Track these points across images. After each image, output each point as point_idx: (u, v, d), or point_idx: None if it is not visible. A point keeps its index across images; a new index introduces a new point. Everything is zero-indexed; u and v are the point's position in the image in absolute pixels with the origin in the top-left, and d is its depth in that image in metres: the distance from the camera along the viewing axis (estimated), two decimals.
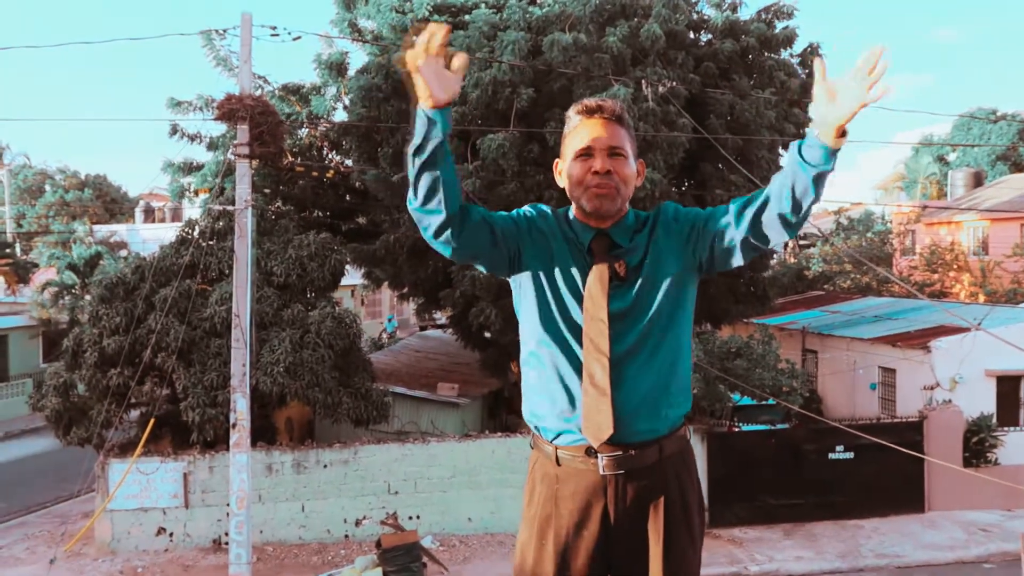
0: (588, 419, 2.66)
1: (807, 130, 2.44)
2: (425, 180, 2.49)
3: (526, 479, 2.92)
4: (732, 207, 2.68)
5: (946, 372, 18.76)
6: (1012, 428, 18.81)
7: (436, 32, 2.39)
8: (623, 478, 2.69)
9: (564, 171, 2.81)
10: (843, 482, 17.52)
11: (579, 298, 2.70)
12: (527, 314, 2.79)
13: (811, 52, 19.83)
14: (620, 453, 2.67)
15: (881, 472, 17.44)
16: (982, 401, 18.64)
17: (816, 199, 2.47)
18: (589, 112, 2.77)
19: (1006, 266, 29.35)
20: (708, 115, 17.49)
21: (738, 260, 2.74)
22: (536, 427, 2.84)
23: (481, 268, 2.84)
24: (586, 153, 2.72)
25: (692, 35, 18.84)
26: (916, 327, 21.24)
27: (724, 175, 18.03)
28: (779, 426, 18.76)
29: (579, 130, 2.76)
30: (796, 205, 2.48)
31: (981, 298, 28.46)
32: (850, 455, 17.59)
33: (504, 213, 2.80)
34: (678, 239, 2.76)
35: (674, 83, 16.98)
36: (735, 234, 2.65)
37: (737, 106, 17.58)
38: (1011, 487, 16.16)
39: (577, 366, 2.69)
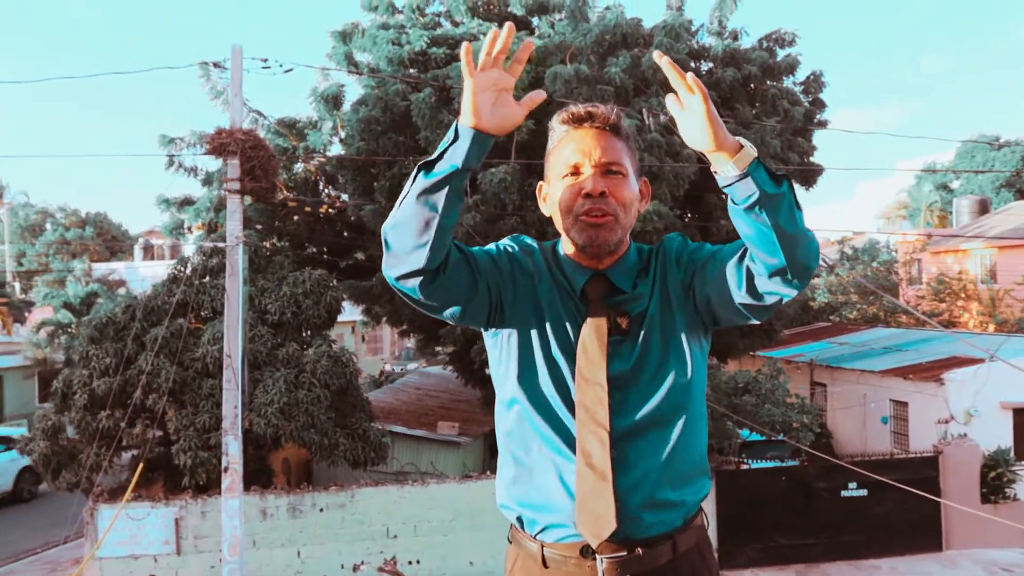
0: (584, 510, 2.09)
1: (715, 176, 1.96)
2: (416, 210, 1.96)
3: None
4: (732, 259, 2.11)
5: (960, 405, 18.29)
6: None
7: (508, 41, 1.90)
8: None
9: (548, 196, 2.26)
10: (857, 520, 16.98)
11: (572, 357, 2.14)
12: (506, 376, 2.22)
13: (814, 80, 19.55)
14: (624, 554, 2.11)
15: (896, 509, 16.90)
16: (998, 434, 18.13)
17: (781, 232, 1.90)
18: (577, 121, 2.23)
19: (1016, 294, 28.91)
20: None
21: (742, 319, 2.18)
22: (517, 517, 2.24)
23: (448, 319, 2.23)
24: (575, 172, 2.17)
25: (693, 64, 18.53)
26: (927, 358, 20.79)
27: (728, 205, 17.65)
28: (789, 463, 18.27)
29: (565, 143, 2.22)
30: (762, 246, 1.94)
31: (991, 327, 28.02)
32: (863, 492, 17.04)
33: (482, 250, 2.23)
34: (680, 286, 2.21)
35: None
36: (735, 292, 2.11)
37: (740, 134, 17.20)
38: None
39: (569, 442, 2.12)
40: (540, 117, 16.07)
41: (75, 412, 15.44)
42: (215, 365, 14.67)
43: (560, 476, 2.14)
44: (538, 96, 2.02)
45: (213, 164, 18.44)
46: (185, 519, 15.29)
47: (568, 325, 2.18)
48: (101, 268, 43.64)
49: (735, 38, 18.81)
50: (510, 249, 2.27)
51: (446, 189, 1.93)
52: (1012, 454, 18.03)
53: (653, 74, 16.33)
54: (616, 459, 2.10)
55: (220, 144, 12.96)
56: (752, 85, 18.31)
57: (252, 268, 15.70)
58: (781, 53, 18.65)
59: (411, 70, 18.07)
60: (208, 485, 15.16)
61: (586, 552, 2.12)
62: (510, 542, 2.32)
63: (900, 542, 17.11)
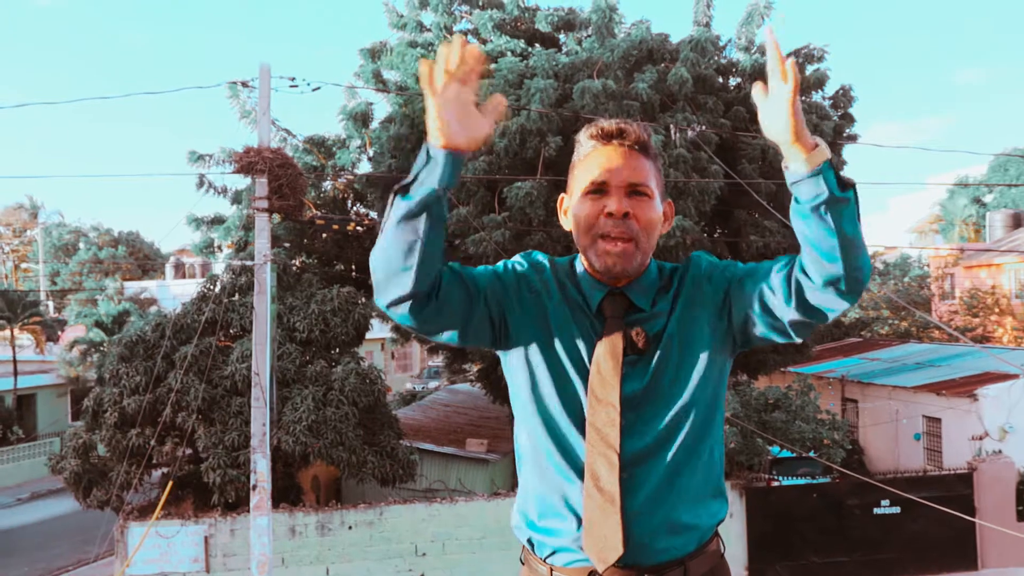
0: (591, 534, 2.03)
1: (784, 171, 1.91)
2: (397, 234, 1.90)
3: None
4: (776, 266, 2.04)
5: (995, 421, 18.04)
6: None
7: (466, 51, 1.84)
8: None
9: (570, 210, 2.20)
10: (890, 538, 16.75)
11: (584, 376, 2.08)
12: (517, 395, 2.16)
13: (843, 94, 19.43)
14: None
15: (930, 527, 16.65)
16: None
17: (839, 235, 1.85)
18: (606, 137, 2.14)
19: None
20: (740, 160, 17.07)
21: (782, 336, 2.09)
22: (528, 539, 2.21)
23: (449, 343, 2.16)
24: (599, 189, 2.10)
25: (720, 79, 18.47)
26: (960, 374, 20.54)
27: (758, 222, 17.55)
28: (820, 480, 18.07)
29: (592, 159, 2.14)
30: (823, 251, 1.87)
31: None
32: (896, 509, 16.83)
33: (485, 269, 2.17)
34: (711, 303, 2.13)
35: (704, 127, 16.60)
36: (781, 307, 2.03)
37: (769, 151, 17.14)
38: None
39: (579, 464, 2.07)
40: (569, 133, 16.12)
41: (106, 430, 15.54)
42: (244, 383, 14.73)
43: (568, 499, 2.10)
44: (499, 102, 1.94)
45: (242, 182, 18.57)
46: (214, 537, 15.32)
47: (581, 343, 2.12)
48: (133, 287, 44.07)
49: (763, 53, 18.71)
50: (518, 267, 2.21)
51: (425, 212, 1.89)
52: None
53: (679, 89, 16.30)
54: (626, 481, 2.05)
55: (248, 163, 13.02)
56: None
57: (281, 286, 15.75)
58: (810, 68, 18.54)
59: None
60: (237, 503, 15.20)
61: None
62: (522, 563, 2.29)
63: (934, 560, 16.86)
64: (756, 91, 1.92)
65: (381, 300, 2.00)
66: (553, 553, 2.14)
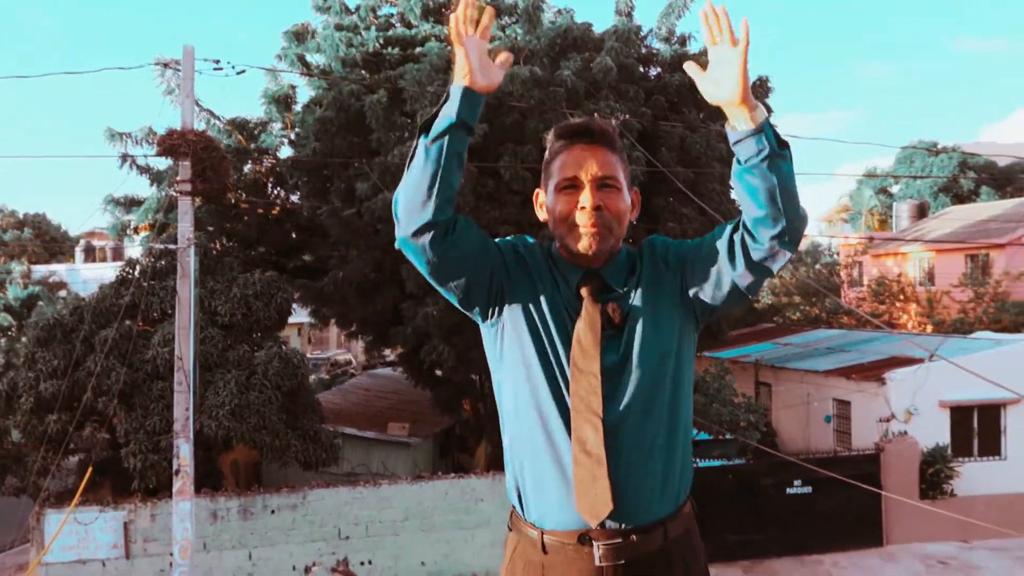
0: (582, 493, 2.19)
1: (727, 132, 2.11)
2: (419, 166, 2.11)
3: (503, 564, 2.43)
4: (720, 236, 2.26)
5: (901, 404, 18.69)
6: (967, 459, 18.78)
7: (485, 10, 2.10)
8: (622, 569, 2.23)
9: (546, 204, 2.36)
10: (801, 517, 17.31)
11: (567, 350, 2.25)
12: (508, 366, 2.33)
13: (760, 85, 19.83)
14: (620, 540, 2.22)
15: (839, 506, 17.28)
16: (937, 432, 18.58)
17: (781, 190, 2.05)
18: (575, 135, 2.33)
19: (953, 296, 29.59)
20: (659, 148, 17.35)
21: (737, 298, 2.31)
22: (519, 502, 2.36)
23: (451, 298, 2.33)
24: (571, 185, 2.28)
25: (642, 68, 18.75)
26: (869, 359, 21.22)
27: (676, 208, 17.88)
28: (735, 461, 18.55)
29: (563, 157, 2.32)
30: (767, 207, 2.07)
31: (929, 328, 28.64)
32: (808, 489, 17.40)
33: (490, 239, 2.36)
34: (671, 282, 2.32)
35: (626, 116, 16.85)
36: (729, 268, 2.23)
37: (688, 139, 17.48)
38: (968, 519, 16.04)
39: (565, 431, 2.23)
40: (494, 119, 16.24)
41: (21, 415, 15.23)
42: (166, 367, 14.56)
43: (556, 467, 2.24)
44: (507, 57, 2.18)
45: (163, 163, 18.25)
46: (134, 522, 15.15)
47: (564, 319, 2.28)
48: (41, 270, 42.88)
49: (683, 43, 19.05)
50: (514, 244, 2.38)
51: (445, 142, 2.09)
52: (949, 451, 18.51)
53: (604, 78, 16.51)
54: (610, 447, 2.19)
55: (171, 145, 12.87)
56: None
57: (202, 270, 15.58)
58: None
59: (364, 71, 18.07)
60: (158, 488, 15.04)
61: (584, 539, 2.23)
62: (510, 529, 2.43)
63: (843, 537, 17.48)
64: (691, 66, 2.13)
65: (404, 230, 2.17)
66: (544, 518, 2.29)
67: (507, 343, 2.33)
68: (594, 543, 2.22)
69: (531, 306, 2.30)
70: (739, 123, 2.06)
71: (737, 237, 2.20)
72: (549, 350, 2.27)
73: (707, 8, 2.06)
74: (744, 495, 17.29)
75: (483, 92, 2.13)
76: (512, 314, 2.31)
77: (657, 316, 2.30)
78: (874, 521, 17.86)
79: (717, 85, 2.07)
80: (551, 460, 2.25)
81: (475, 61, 2.09)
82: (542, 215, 2.43)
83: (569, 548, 2.24)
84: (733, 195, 19.31)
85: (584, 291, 2.30)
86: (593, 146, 2.32)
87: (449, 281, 2.28)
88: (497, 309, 2.33)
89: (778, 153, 2.05)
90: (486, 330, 2.40)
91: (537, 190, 2.47)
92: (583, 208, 2.26)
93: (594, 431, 2.19)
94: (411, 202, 2.13)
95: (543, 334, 2.28)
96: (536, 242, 2.43)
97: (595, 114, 16.16)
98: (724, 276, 2.26)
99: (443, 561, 15.98)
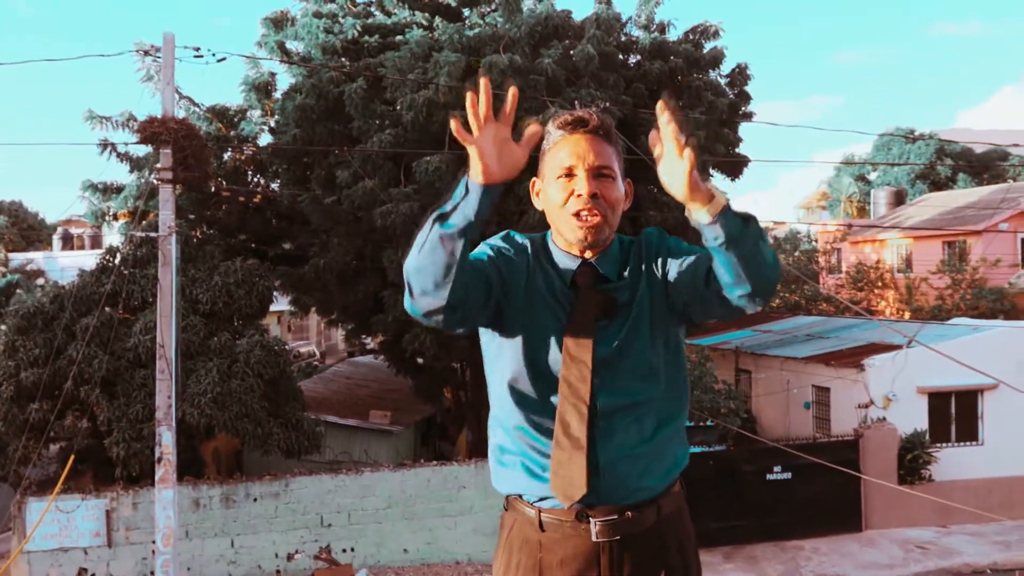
0: (557, 474, 2.27)
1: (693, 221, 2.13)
2: (434, 256, 2.08)
3: (498, 544, 2.49)
4: (702, 266, 2.28)
5: (880, 390, 18.84)
6: (944, 444, 18.96)
7: (488, 96, 2.04)
8: (618, 545, 2.32)
9: (543, 193, 2.42)
10: (781, 503, 17.47)
11: (561, 340, 2.31)
12: (500, 357, 2.39)
13: (739, 73, 19.89)
14: (616, 517, 2.31)
15: (819, 492, 17.43)
16: (915, 418, 18.75)
17: (743, 264, 2.10)
18: (572, 125, 2.38)
19: (931, 282, 29.82)
20: (639, 136, 17.37)
21: (710, 317, 2.39)
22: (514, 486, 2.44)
23: (455, 330, 2.37)
24: (568, 174, 2.32)
25: (621, 56, 18.78)
26: (848, 345, 21.36)
27: (657, 196, 17.92)
28: (716, 448, 18.68)
29: (560, 147, 2.36)
30: (732, 277, 2.13)
31: (907, 315, 28.86)
32: (787, 475, 17.55)
33: (479, 255, 2.36)
34: (661, 278, 2.38)
35: (607, 104, 16.88)
36: (706, 297, 2.28)
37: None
38: (946, 504, 16.23)
39: (554, 416, 2.31)
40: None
41: (1, 404, 15.17)
42: (148, 355, 14.52)
43: (547, 451, 2.32)
44: (535, 131, 2.13)
45: (143, 150, 18.11)
46: (116, 511, 15.13)
47: (558, 310, 2.34)
48: (17, 258, 42.56)
49: (662, 31, 19.09)
50: (503, 249, 2.41)
51: (463, 239, 2.07)
52: (928, 437, 18.69)
53: (585, 66, 16.54)
54: (603, 430, 2.28)
55: (152, 133, 12.82)
56: (679, 77, 18.61)
57: (183, 258, 15.54)
58: (708, 46, 18.96)
59: (343, 59, 18.02)
60: (140, 476, 15.02)
61: (581, 516, 2.31)
62: (505, 509, 2.49)
63: (822, 523, 17.65)
64: (653, 141, 2.11)
65: (418, 311, 2.19)
66: (542, 499, 2.36)
67: (501, 336, 2.39)
68: (591, 520, 2.31)
69: (525, 302, 2.35)
70: (696, 215, 2.09)
71: (713, 278, 2.23)
72: (544, 340, 2.33)
73: (661, 115, 2.08)
74: (725, 481, 17.40)
75: (504, 182, 2.10)
76: (508, 315, 2.36)
77: (650, 308, 2.36)
78: (853, 507, 18.03)
79: (669, 180, 2.09)
80: (545, 443, 2.32)
81: (490, 158, 2.05)
82: (539, 204, 2.48)
83: (567, 525, 2.32)
84: (713, 183, 19.55)
85: (579, 281, 2.36)
86: (590, 136, 2.37)
87: (456, 329, 2.34)
88: (498, 317, 2.38)
89: (737, 237, 2.08)
90: (483, 330, 2.45)
91: (533, 179, 2.50)
92: (579, 196, 2.31)
93: (579, 416, 2.26)
94: (425, 288, 2.13)
95: (536, 325, 2.34)
96: (526, 235, 2.47)
97: (575, 102, 16.20)
98: (700, 302, 2.33)
99: (426, 549, 16.03)
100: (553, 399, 2.30)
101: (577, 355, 2.28)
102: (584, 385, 2.27)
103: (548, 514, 2.35)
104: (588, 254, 2.38)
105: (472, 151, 2.05)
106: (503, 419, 2.41)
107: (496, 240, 2.45)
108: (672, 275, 2.36)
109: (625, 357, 2.32)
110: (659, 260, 2.40)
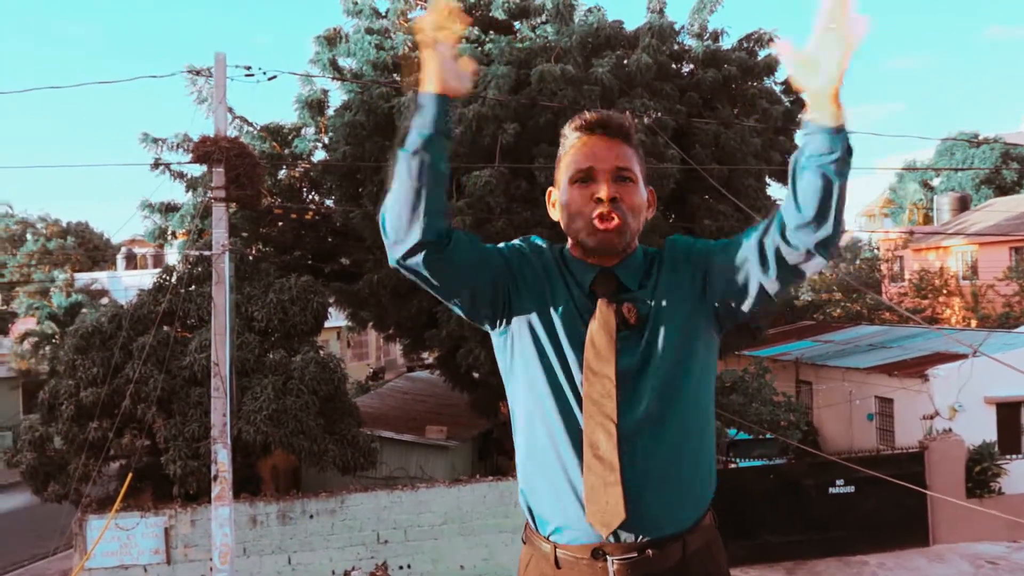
0: (593, 501, 2.08)
1: (803, 121, 1.96)
2: (400, 185, 2.02)
3: None
4: (749, 238, 2.11)
5: (945, 400, 18.39)
6: (1014, 456, 18.42)
7: (454, 13, 2.02)
8: None
9: (559, 200, 2.25)
10: (845, 517, 17.08)
11: (580, 352, 2.13)
12: (515, 374, 2.22)
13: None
14: (635, 555, 2.09)
15: (883, 505, 17.02)
16: (982, 429, 18.26)
17: (838, 197, 1.91)
18: (589, 128, 2.22)
19: (998, 289, 29.10)
20: (694, 145, 17.21)
21: (764, 302, 2.16)
22: (530, 515, 2.26)
23: (458, 310, 2.25)
24: (586, 177, 2.17)
25: (675, 66, 18.61)
26: (911, 355, 20.90)
27: (712, 205, 17.72)
28: (776, 461, 18.34)
29: (578, 149, 2.21)
30: (818, 210, 1.93)
31: (973, 323, 28.20)
32: (851, 489, 17.16)
33: (492, 246, 2.24)
34: (691, 284, 2.19)
35: (660, 114, 16.72)
36: (760, 272, 2.09)
37: (722, 135, 17.32)
38: (1017, 519, 15.72)
39: (578, 438, 2.11)
40: (525, 120, 16.16)
41: (62, 423, 15.38)
42: (203, 373, 14.62)
43: (569, 476, 2.13)
44: (475, 67, 2.12)
45: (198, 169, 18.33)
46: (175, 528, 15.24)
47: (577, 321, 2.17)
48: (83, 278, 43.34)
49: (715, 39, 18.88)
50: (521, 248, 2.27)
51: (425, 157, 2.00)
52: (996, 448, 18.17)
53: (640, 75, 16.38)
54: (626, 454, 2.08)
55: (205, 152, 12.93)
56: (733, 85, 18.40)
57: (238, 275, 15.65)
58: (762, 53, 18.72)
59: (395, 74, 18.08)
60: (198, 494, 15.12)
61: (597, 554, 2.12)
62: (524, 542, 2.33)
63: (887, 537, 17.22)
64: (784, 47, 1.95)
65: (396, 253, 2.08)
66: (556, 531, 2.18)
67: (517, 350, 2.22)
68: (608, 558, 2.11)
69: (541, 310, 2.19)
70: (822, 116, 1.91)
71: (768, 241, 2.06)
72: (561, 354, 2.16)
73: None
74: (786, 495, 17.08)
75: (455, 96, 2.06)
76: (521, 320, 2.20)
77: (676, 317, 2.18)
78: (920, 521, 17.58)
79: (813, 71, 1.90)
80: (563, 471, 2.14)
81: (444, 65, 2.03)
82: (555, 214, 2.31)
83: (583, 563, 2.14)
84: (769, 191, 18.92)
85: (598, 291, 2.20)
86: (608, 138, 2.23)
87: (451, 297, 2.20)
88: (505, 318, 2.22)
89: (846, 159, 1.92)
90: (496, 338, 2.29)
91: (550, 188, 2.36)
92: (598, 199, 2.16)
93: (607, 436, 2.08)
94: (398, 221, 2.04)
95: (554, 338, 2.17)
96: (547, 242, 2.31)
97: (627, 112, 16.09)
98: (752, 280, 2.13)
99: (482, 565, 15.92)
100: (572, 418, 2.13)
101: (599, 369, 2.11)
102: (610, 402, 2.09)
103: (564, 550, 2.16)
104: (608, 262, 2.22)
105: (432, 57, 2.03)
106: (520, 438, 2.26)
107: (514, 241, 2.32)
108: (712, 269, 2.19)
109: (648, 371, 2.14)
110: (690, 261, 2.23)
